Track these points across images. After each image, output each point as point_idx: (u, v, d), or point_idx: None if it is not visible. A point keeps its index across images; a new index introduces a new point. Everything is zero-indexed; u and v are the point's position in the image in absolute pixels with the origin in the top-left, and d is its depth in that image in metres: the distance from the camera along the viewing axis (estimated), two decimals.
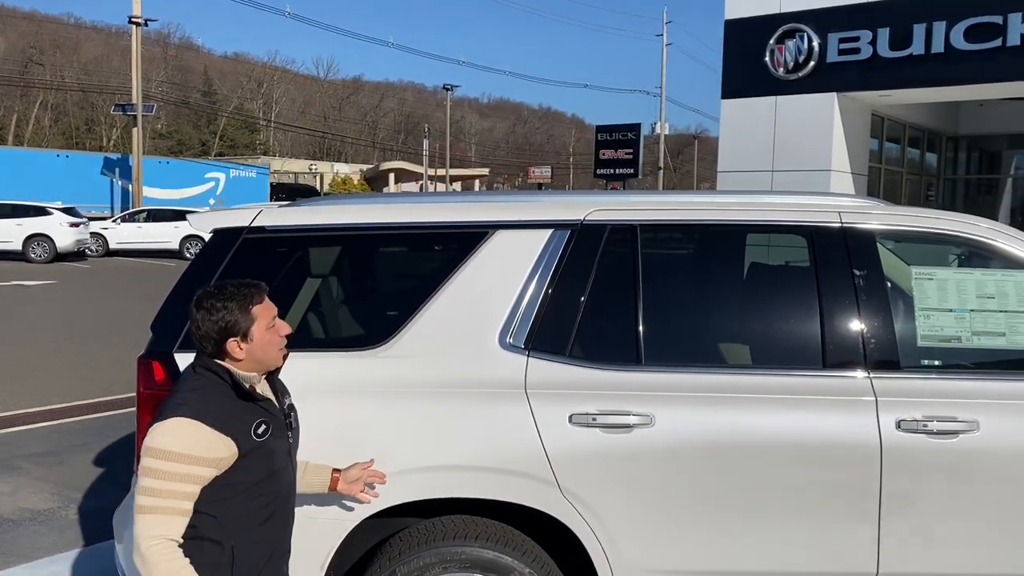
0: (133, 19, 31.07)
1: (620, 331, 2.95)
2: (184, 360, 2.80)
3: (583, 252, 2.98)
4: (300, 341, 2.93)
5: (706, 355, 3.02)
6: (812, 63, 12.55)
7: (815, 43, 12.52)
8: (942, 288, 2.99)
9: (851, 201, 3.20)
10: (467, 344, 2.88)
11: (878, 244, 3.02)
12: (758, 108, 13.02)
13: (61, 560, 4.44)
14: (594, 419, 2.79)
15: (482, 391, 2.84)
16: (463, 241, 3.00)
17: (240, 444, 2.18)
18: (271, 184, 44.95)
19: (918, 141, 16.51)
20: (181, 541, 2.12)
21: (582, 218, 3.03)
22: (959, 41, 11.42)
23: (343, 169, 61.70)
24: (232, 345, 2.23)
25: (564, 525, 2.82)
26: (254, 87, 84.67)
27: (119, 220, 26.72)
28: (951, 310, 2.98)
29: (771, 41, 12.87)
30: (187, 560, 2.10)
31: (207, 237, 3.03)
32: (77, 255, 24.19)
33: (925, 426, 2.80)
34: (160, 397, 2.77)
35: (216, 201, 38.22)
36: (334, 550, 2.80)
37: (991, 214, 16.48)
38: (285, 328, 2.33)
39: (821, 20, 12.46)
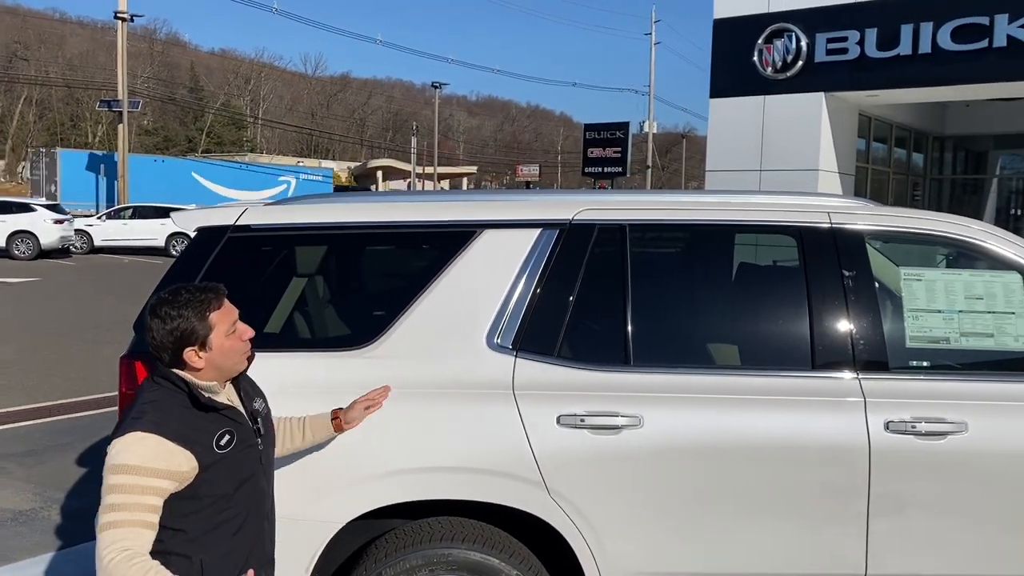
0: (119, 14, 30.84)
1: (608, 332, 2.94)
2: None
3: (571, 252, 2.96)
4: (285, 341, 2.91)
5: (695, 356, 3.01)
6: (800, 63, 12.57)
7: (803, 43, 12.54)
8: (930, 289, 2.99)
9: (840, 201, 3.20)
10: (454, 344, 2.86)
11: (867, 244, 3.02)
12: (746, 107, 13.04)
13: (43, 561, 4.39)
14: (582, 420, 2.77)
15: (469, 392, 2.81)
16: (450, 240, 2.97)
17: (200, 457, 2.09)
18: (333, 187, 48.46)
19: (905, 141, 16.58)
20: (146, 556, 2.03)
21: (570, 218, 3.01)
22: (946, 42, 11.47)
23: (330, 166, 61.45)
24: (190, 354, 2.13)
25: (551, 527, 2.80)
26: (241, 84, 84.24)
27: (104, 217, 26.54)
28: (939, 311, 2.97)
29: (759, 40, 12.88)
30: (156, 563, 2.00)
31: (192, 235, 3.00)
32: (62, 252, 24.00)
33: (913, 427, 2.79)
34: None
35: None
36: (319, 552, 2.77)
37: (977, 214, 16.58)
38: (247, 332, 2.22)
39: (809, 20, 12.48)
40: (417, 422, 2.78)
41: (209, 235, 2.93)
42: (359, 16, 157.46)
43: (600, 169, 32.36)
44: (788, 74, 12.70)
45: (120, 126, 32.17)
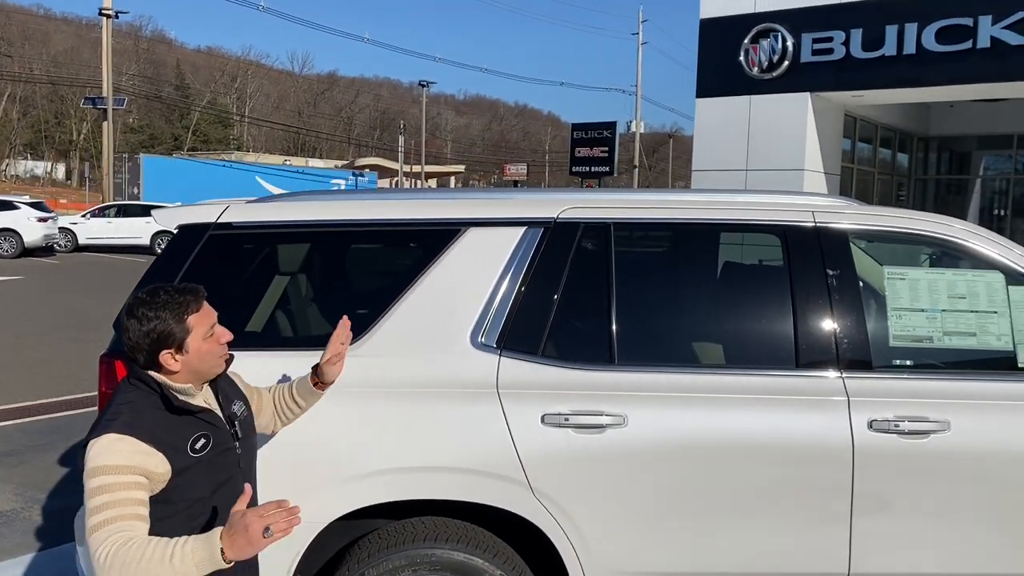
0: (104, 11, 30.62)
1: (593, 330, 2.93)
2: None
3: (556, 250, 2.95)
4: (267, 340, 2.88)
5: (679, 355, 3.00)
6: (786, 63, 12.63)
7: (789, 43, 12.59)
8: (914, 288, 3.00)
9: (825, 200, 3.20)
10: (438, 343, 2.84)
11: (851, 244, 3.02)
12: (732, 107, 13.08)
13: (23, 563, 4.34)
14: (566, 419, 2.76)
15: (453, 391, 2.80)
16: (434, 239, 2.95)
17: (173, 460, 2.05)
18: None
19: (890, 141, 16.68)
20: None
21: (555, 216, 3.00)
22: (930, 43, 11.54)
23: (318, 165, 61.26)
24: (166, 357, 2.08)
25: (535, 527, 2.79)
26: (228, 81, 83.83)
27: (88, 215, 26.33)
28: (923, 310, 2.98)
29: (746, 41, 12.93)
30: (153, 538, 1.92)
31: (173, 233, 2.96)
32: (45, 250, 23.80)
33: (897, 426, 2.80)
34: None
35: None
36: (301, 553, 2.75)
37: (961, 214, 16.70)
38: (226, 336, 2.17)
39: (795, 20, 12.53)
40: (400, 422, 2.76)
41: (190, 233, 2.90)
42: (346, 14, 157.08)
43: (587, 168, 32.36)
44: (774, 74, 12.75)
45: (105, 124, 31.93)
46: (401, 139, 54.62)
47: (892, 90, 12.34)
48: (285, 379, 2.73)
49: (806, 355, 2.88)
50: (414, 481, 2.75)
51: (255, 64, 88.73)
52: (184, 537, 1.89)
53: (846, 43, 12.16)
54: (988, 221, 17.28)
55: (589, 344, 2.92)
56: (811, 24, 12.41)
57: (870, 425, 2.80)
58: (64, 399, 7.74)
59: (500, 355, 2.84)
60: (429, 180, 58.31)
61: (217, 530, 1.87)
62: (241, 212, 2.96)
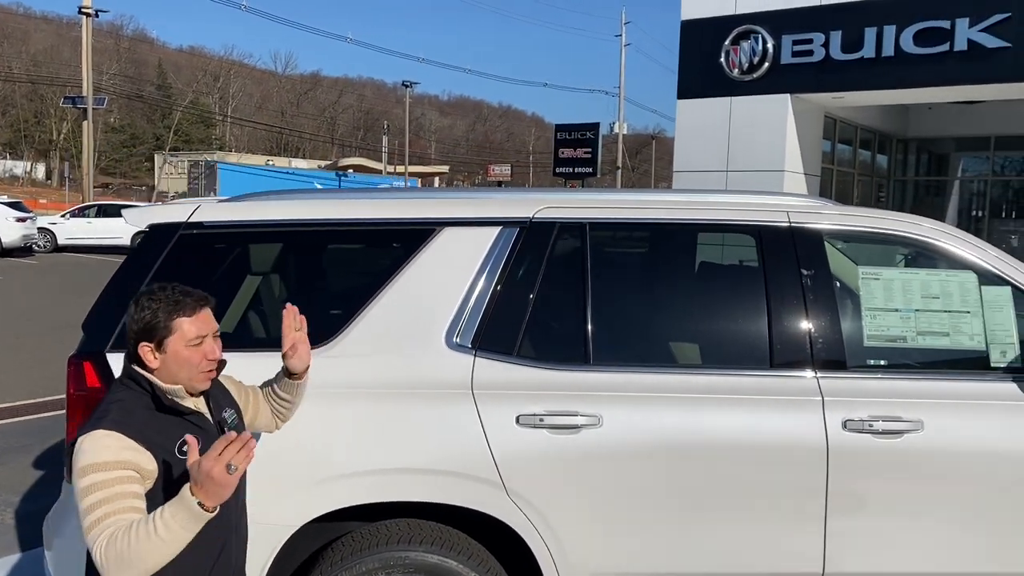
0: (83, 10, 30.34)
1: (569, 331, 2.92)
2: (117, 361, 2.69)
3: (532, 250, 2.94)
4: (239, 341, 2.85)
5: (655, 355, 3.00)
6: (766, 64, 12.68)
7: (769, 45, 12.65)
8: (888, 288, 3.01)
9: (800, 201, 3.21)
10: (412, 344, 2.82)
11: (826, 244, 3.03)
12: (713, 108, 13.12)
13: None
14: (541, 420, 2.75)
15: (427, 392, 2.78)
16: (409, 238, 2.93)
17: (161, 460, 2.03)
18: None
19: (869, 143, 16.80)
20: None
21: (531, 215, 2.99)
22: (909, 45, 11.63)
23: (301, 165, 60.98)
24: (144, 350, 2.08)
25: (510, 528, 2.78)
26: (210, 81, 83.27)
27: (68, 215, 26.08)
28: (897, 310, 2.99)
29: (726, 42, 12.98)
30: (134, 520, 1.90)
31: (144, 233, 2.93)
32: (24, 250, 23.54)
33: (871, 426, 2.81)
34: (92, 399, 2.67)
35: None
36: (273, 556, 2.72)
37: (939, 215, 16.83)
38: (214, 352, 2.12)
39: (775, 22, 12.59)
40: (373, 423, 2.74)
41: (161, 232, 2.87)
42: (330, 14, 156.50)
43: (571, 169, 32.38)
44: (754, 75, 12.80)
45: (85, 123, 31.65)
46: (385, 139, 54.48)
47: (871, 92, 12.43)
48: (260, 380, 2.70)
49: (780, 355, 2.88)
50: (388, 483, 2.73)
51: (238, 64, 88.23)
52: (159, 508, 1.88)
53: (826, 45, 12.23)
54: (966, 222, 17.43)
55: (564, 344, 2.91)
56: (791, 26, 12.48)
57: (844, 425, 2.81)
58: (40, 401, 7.65)
59: (475, 355, 2.83)
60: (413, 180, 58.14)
61: (185, 487, 1.86)
62: (212, 212, 2.93)
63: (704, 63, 13.17)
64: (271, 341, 2.97)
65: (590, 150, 31.44)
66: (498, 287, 2.89)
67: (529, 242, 2.95)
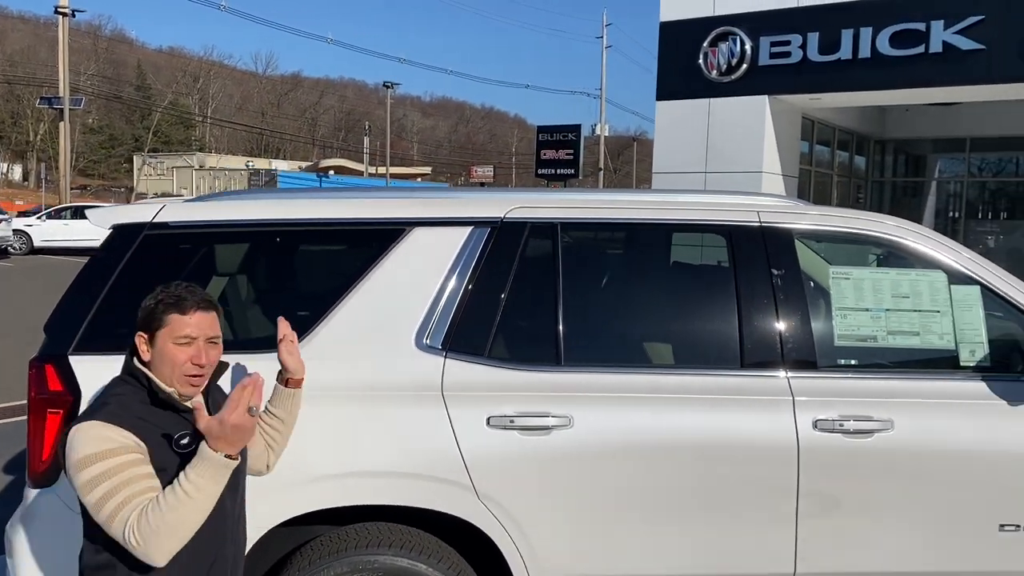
0: (60, 9, 30.03)
1: (540, 331, 2.90)
2: (80, 364, 2.65)
3: (503, 251, 2.92)
4: None
5: (626, 355, 2.99)
6: (744, 66, 12.73)
7: (747, 46, 12.70)
8: (858, 288, 3.01)
9: (770, 201, 3.21)
10: (382, 345, 2.80)
11: (796, 243, 3.03)
12: (692, 110, 13.16)
13: None
14: (512, 421, 2.73)
15: (397, 394, 2.75)
16: (378, 238, 2.90)
17: (156, 454, 2.02)
18: None
19: (847, 144, 16.91)
20: None
21: (502, 215, 2.97)
22: (885, 47, 11.71)
23: (282, 166, 60.69)
24: (139, 339, 2.12)
25: (481, 531, 2.76)
26: (190, 82, 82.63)
27: (44, 217, 25.79)
28: (867, 310, 3.00)
29: (705, 44, 13.01)
30: (158, 495, 1.94)
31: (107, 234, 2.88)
32: None
33: (841, 425, 2.81)
34: (54, 403, 2.63)
35: None
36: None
37: (917, 216, 16.97)
38: (202, 358, 2.10)
39: (753, 24, 12.65)
40: (343, 425, 2.71)
41: (124, 233, 2.82)
42: (311, 15, 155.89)
43: (553, 171, 32.42)
44: (733, 77, 12.85)
45: (61, 124, 31.31)
46: (366, 140, 54.37)
47: (848, 93, 12.51)
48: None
49: (751, 355, 2.88)
50: (356, 486, 2.70)
51: (218, 64, 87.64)
52: (183, 472, 1.96)
53: (803, 46, 12.29)
54: (943, 223, 17.58)
55: (535, 345, 2.89)
56: (769, 27, 12.53)
57: (815, 425, 2.81)
58: (13, 405, 7.54)
59: (445, 357, 2.80)
60: (394, 182, 58.03)
61: (202, 447, 1.98)
62: (178, 212, 2.89)
63: (683, 65, 13.20)
64: (238, 343, 2.93)
65: (572, 152, 31.49)
66: (469, 287, 2.87)
67: (500, 242, 2.93)
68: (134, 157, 65.74)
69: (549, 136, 32.36)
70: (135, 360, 2.13)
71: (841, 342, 2.96)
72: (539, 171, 33.06)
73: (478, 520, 2.73)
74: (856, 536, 2.85)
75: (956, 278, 3.02)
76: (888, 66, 11.68)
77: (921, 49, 11.42)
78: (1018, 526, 2.86)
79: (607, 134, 49.53)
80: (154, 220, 2.84)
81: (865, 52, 11.80)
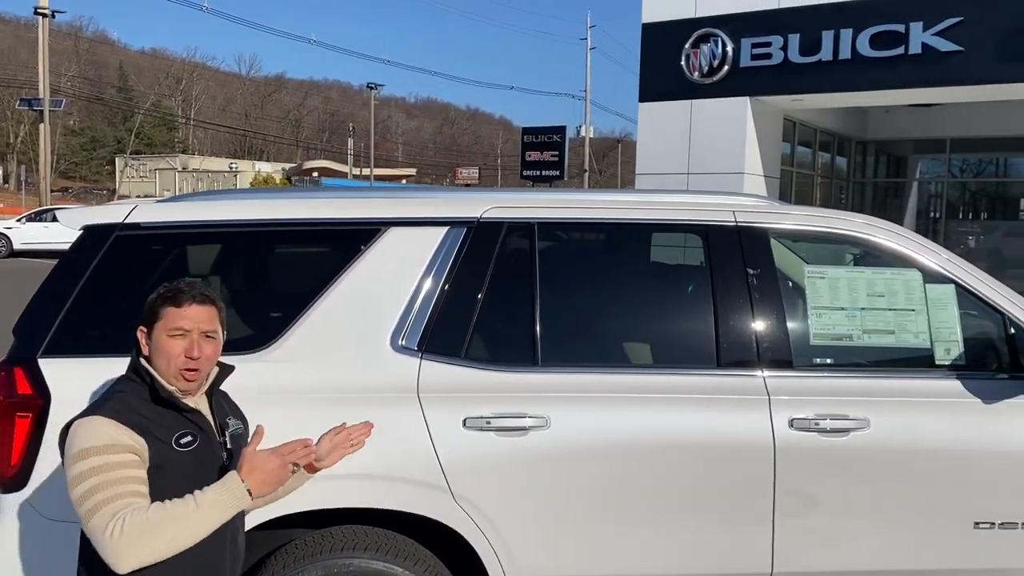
0: (39, 10, 29.76)
1: (517, 332, 2.90)
2: (50, 367, 2.62)
3: (479, 251, 2.91)
4: None
5: (603, 355, 2.99)
6: (726, 68, 12.77)
7: (729, 48, 12.74)
8: (834, 287, 3.02)
9: (746, 200, 3.22)
10: (356, 346, 2.77)
11: (772, 243, 3.04)
12: (674, 111, 13.19)
13: None
14: (488, 422, 2.72)
15: (372, 396, 2.74)
16: (353, 239, 2.88)
17: (155, 451, 2.01)
18: None
19: (829, 145, 17.00)
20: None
21: (479, 215, 2.96)
22: (865, 48, 11.78)
23: (265, 168, 60.43)
24: (140, 333, 2.14)
25: (458, 533, 2.74)
26: (172, 84, 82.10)
27: (24, 220, 25.55)
28: (843, 308, 3.01)
29: (687, 45, 13.05)
30: (166, 502, 1.93)
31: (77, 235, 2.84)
32: None
33: (817, 424, 2.82)
34: (23, 407, 2.59)
35: None
36: None
37: (898, 217, 17.09)
38: (195, 350, 2.09)
39: (735, 25, 12.69)
40: (316, 428, 2.67)
41: (95, 234, 2.78)
42: (294, 16, 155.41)
43: (538, 172, 32.46)
44: (714, 79, 12.89)
45: (42, 126, 31.05)
46: (350, 142, 54.20)
47: (829, 94, 12.58)
48: None
49: (727, 354, 2.88)
50: (331, 489, 2.67)
51: (201, 66, 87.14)
52: (197, 491, 1.97)
53: (784, 48, 12.34)
54: (924, 223, 17.71)
55: (512, 345, 2.88)
56: (750, 29, 12.58)
57: (791, 424, 2.81)
58: None
59: (421, 358, 2.78)
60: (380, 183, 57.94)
61: (232, 474, 2.01)
62: (149, 212, 2.86)
63: (665, 66, 13.23)
64: None
65: (557, 153, 31.54)
66: (445, 288, 2.86)
67: (477, 242, 2.92)
68: (116, 159, 65.22)
69: (534, 138, 32.40)
70: (140, 358, 2.14)
71: (817, 341, 2.97)
72: (524, 172, 33.08)
73: (454, 522, 2.71)
74: (833, 535, 2.86)
75: (926, 273, 3.04)
76: (868, 67, 11.75)
77: (900, 50, 11.50)
78: (993, 524, 2.87)
79: (592, 135, 49.71)
80: (125, 221, 2.81)
81: (845, 53, 11.86)
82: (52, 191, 32.38)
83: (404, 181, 63.89)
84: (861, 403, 2.86)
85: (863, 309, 3.00)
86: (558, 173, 31.99)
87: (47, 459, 2.53)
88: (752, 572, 2.85)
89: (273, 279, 3.10)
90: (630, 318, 3.06)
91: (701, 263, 3.33)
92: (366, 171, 55.25)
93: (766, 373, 2.87)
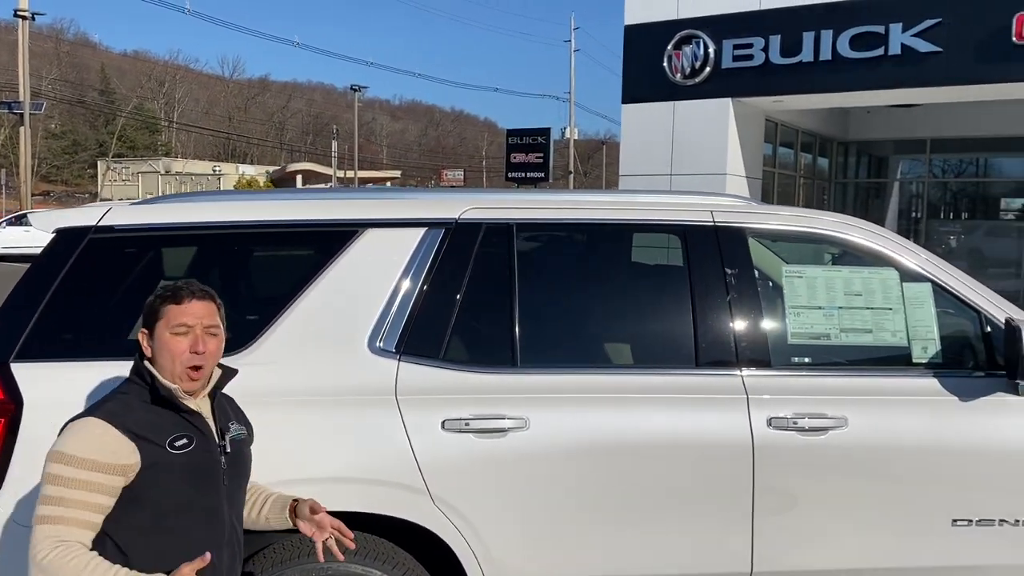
0: (19, 12, 29.52)
1: (495, 333, 2.89)
2: (22, 371, 2.59)
3: (458, 252, 2.90)
4: None
5: (582, 356, 2.99)
6: (708, 69, 12.83)
7: (711, 49, 12.80)
8: (811, 286, 3.03)
9: (724, 200, 3.23)
10: (334, 349, 2.76)
11: (750, 242, 3.04)
12: (657, 113, 13.23)
13: None
14: (467, 424, 2.71)
15: (350, 398, 2.72)
16: (330, 240, 2.87)
17: (145, 453, 2.00)
18: None
19: (811, 146, 17.10)
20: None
21: (457, 216, 2.95)
22: (845, 49, 11.86)
23: (249, 171, 60.16)
24: (141, 335, 2.14)
25: (437, 535, 2.73)
26: (155, 86, 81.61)
27: (4, 224, 25.32)
28: (820, 308, 3.02)
29: (669, 47, 13.09)
30: (95, 554, 1.90)
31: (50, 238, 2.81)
32: None
33: (795, 423, 2.82)
34: None
35: None
36: None
37: (880, 217, 17.21)
38: (199, 345, 2.10)
39: (716, 27, 12.75)
40: (295, 431, 2.67)
41: (68, 237, 2.75)
42: (278, 18, 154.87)
43: (523, 174, 32.49)
44: (696, 80, 12.94)
45: (22, 129, 30.76)
46: (334, 144, 54.02)
47: (810, 95, 12.65)
48: None
49: (706, 354, 2.88)
50: (310, 493, 2.64)
51: (184, 68, 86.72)
52: (125, 570, 1.90)
53: (765, 49, 12.41)
54: (906, 223, 17.84)
55: (491, 347, 2.87)
56: (732, 31, 12.64)
57: (769, 423, 2.82)
58: None
59: (399, 360, 2.77)
60: (365, 185, 57.76)
61: None
62: (124, 215, 2.83)
63: (648, 68, 13.27)
64: None
65: (542, 155, 31.58)
66: (423, 289, 2.85)
67: (455, 243, 2.91)
68: (98, 163, 64.74)
69: (519, 139, 32.43)
70: (142, 360, 2.14)
71: (795, 340, 2.98)
72: (509, 174, 33.10)
73: (433, 524, 2.70)
74: (812, 534, 2.86)
75: (902, 272, 3.05)
76: (849, 68, 11.83)
77: (880, 51, 11.58)
78: (970, 521, 2.89)
79: (577, 137, 49.85)
80: (99, 223, 2.78)
81: (826, 54, 11.94)
82: (33, 195, 32.08)
83: (389, 183, 63.74)
84: (839, 402, 2.87)
85: (841, 308, 3.01)
86: (543, 175, 32.02)
87: (21, 464, 2.50)
88: (732, 572, 2.86)
89: (250, 281, 3.08)
90: (609, 318, 3.06)
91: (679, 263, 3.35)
92: (351, 173, 55.09)
93: (745, 372, 2.88)
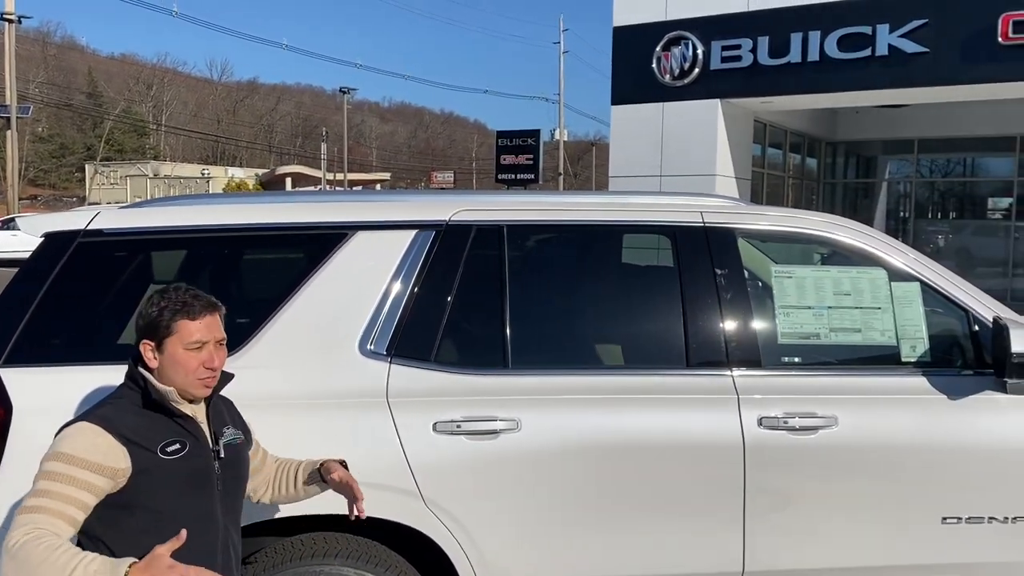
0: (5, 16, 29.35)
1: (486, 335, 2.89)
2: (11, 376, 2.58)
3: (448, 254, 2.90)
4: None
5: (574, 357, 2.99)
6: (697, 70, 12.87)
7: (699, 51, 12.85)
8: (800, 286, 3.05)
9: (713, 201, 3.25)
10: (325, 352, 2.75)
11: (740, 242, 3.06)
12: (646, 114, 13.28)
13: None
14: (459, 426, 2.71)
15: (341, 401, 2.72)
16: (320, 243, 2.86)
17: (136, 458, 1.99)
18: None
19: (799, 147, 17.18)
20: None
21: (447, 218, 2.95)
22: (833, 50, 11.93)
23: (238, 174, 59.98)
24: (144, 347, 2.09)
25: (429, 538, 2.73)
26: (143, 89, 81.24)
27: None
28: (810, 307, 3.03)
29: (658, 48, 13.14)
30: (65, 541, 1.85)
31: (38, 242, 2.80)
32: None
33: (785, 423, 2.83)
34: None
35: None
36: None
37: (868, 217, 17.30)
38: (214, 360, 2.11)
39: (705, 28, 12.80)
40: (286, 435, 2.65)
41: (57, 241, 2.74)
42: (266, 20, 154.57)
43: (513, 176, 32.46)
44: (685, 81, 12.99)
45: (9, 132, 30.60)
46: (324, 146, 53.95)
47: (798, 96, 12.73)
48: None
49: (696, 354, 2.89)
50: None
51: (171, 71, 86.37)
52: (92, 555, 1.83)
53: (754, 50, 12.47)
54: (894, 223, 17.94)
55: (482, 349, 2.88)
56: (720, 32, 12.70)
57: (760, 422, 2.83)
58: None
59: (390, 363, 2.77)
60: (354, 188, 57.68)
61: (126, 560, 1.80)
62: (113, 218, 2.82)
63: (636, 69, 13.31)
64: None
65: (532, 156, 31.57)
66: (414, 292, 2.84)
67: (445, 246, 2.91)
68: (86, 166, 64.38)
69: (509, 141, 32.41)
70: (137, 365, 2.12)
71: (785, 340, 2.99)
72: (499, 176, 33.07)
73: (426, 527, 2.70)
74: (803, 533, 2.87)
75: (891, 271, 3.07)
76: (836, 69, 11.90)
77: (868, 52, 11.65)
78: (960, 518, 2.90)
79: (567, 139, 49.81)
80: (88, 227, 2.77)
81: (814, 55, 12.01)
82: (21, 199, 31.92)
83: (378, 186, 63.62)
84: (829, 401, 2.88)
85: (830, 308, 3.03)
86: (533, 176, 32.01)
87: (11, 469, 2.48)
88: (724, 571, 2.86)
89: (240, 284, 3.07)
90: (600, 319, 3.07)
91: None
92: (340, 176, 54.99)
93: (735, 372, 2.89)
